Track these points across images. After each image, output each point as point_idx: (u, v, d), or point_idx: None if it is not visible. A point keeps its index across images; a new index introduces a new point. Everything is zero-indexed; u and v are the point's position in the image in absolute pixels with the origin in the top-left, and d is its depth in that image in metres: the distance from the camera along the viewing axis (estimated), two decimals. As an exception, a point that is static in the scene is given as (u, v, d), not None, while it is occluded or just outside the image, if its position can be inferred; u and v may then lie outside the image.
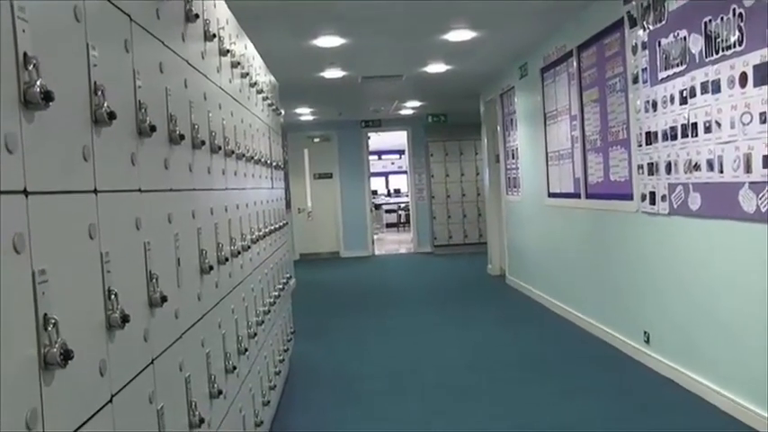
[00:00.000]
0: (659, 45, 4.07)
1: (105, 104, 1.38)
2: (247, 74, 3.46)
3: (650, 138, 4.23)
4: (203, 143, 2.30)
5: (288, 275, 5.08)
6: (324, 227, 13.02)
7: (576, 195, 5.78)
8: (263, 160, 3.88)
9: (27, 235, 1.07)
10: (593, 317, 5.54)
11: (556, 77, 6.21)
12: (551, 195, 6.56)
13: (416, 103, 11.03)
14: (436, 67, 7.69)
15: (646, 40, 4.24)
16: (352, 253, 12.87)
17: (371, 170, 13.70)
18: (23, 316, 1.06)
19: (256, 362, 3.30)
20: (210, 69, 2.60)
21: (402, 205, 19.26)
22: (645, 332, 4.54)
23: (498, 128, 8.78)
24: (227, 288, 2.66)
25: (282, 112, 5.41)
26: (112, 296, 1.40)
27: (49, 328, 1.11)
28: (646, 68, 4.24)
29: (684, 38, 3.77)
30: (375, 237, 13.95)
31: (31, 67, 1.09)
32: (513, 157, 8.11)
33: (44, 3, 1.18)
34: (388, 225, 19.64)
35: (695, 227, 3.81)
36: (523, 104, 7.50)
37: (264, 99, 4.22)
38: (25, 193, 1.08)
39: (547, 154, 6.63)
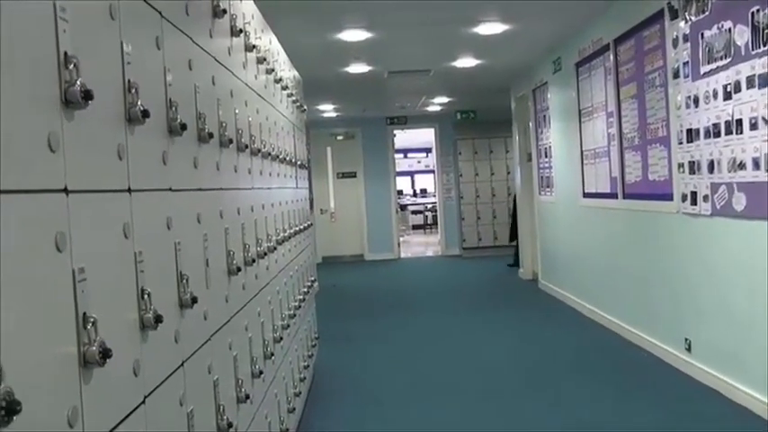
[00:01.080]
0: (702, 37, 4.06)
1: (139, 103, 1.44)
2: (272, 69, 3.52)
3: (692, 135, 4.22)
4: (231, 141, 2.36)
5: (312, 279, 5.14)
6: (347, 228, 13.08)
7: (613, 195, 5.77)
8: (287, 159, 3.94)
9: (68, 233, 1.12)
10: (630, 323, 5.53)
11: (591, 72, 6.20)
12: (586, 195, 6.55)
13: (444, 99, 11.06)
14: (465, 62, 7.72)
15: (687, 32, 4.23)
16: (377, 256, 12.92)
17: (397, 169, 13.74)
18: (65, 314, 1.11)
19: (281, 367, 3.35)
20: (237, 65, 2.65)
21: (429, 206, 19.28)
22: (686, 339, 4.53)
23: (530, 125, 8.78)
24: (253, 290, 2.72)
25: (306, 108, 5.47)
26: (146, 296, 1.46)
27: (89, 327, 1.17)
28: (687, 62, 4.23)
29: (729, 29, 3.76)
30: (401, 239, 13.98)
31: (71, 67, 1.15)
32: (546, 156, 8.10)
33: (81, 2, 1.24)
34: (415, 227, 19.67)
35: (739, 228, 3.80)
36: (557, 100, 7.49)
37: (289, 96, 4.28)
38: (66, 191, 1.14)
39: (582, 152, 6.62)
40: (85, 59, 1.21)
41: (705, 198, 4.09)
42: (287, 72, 4.29)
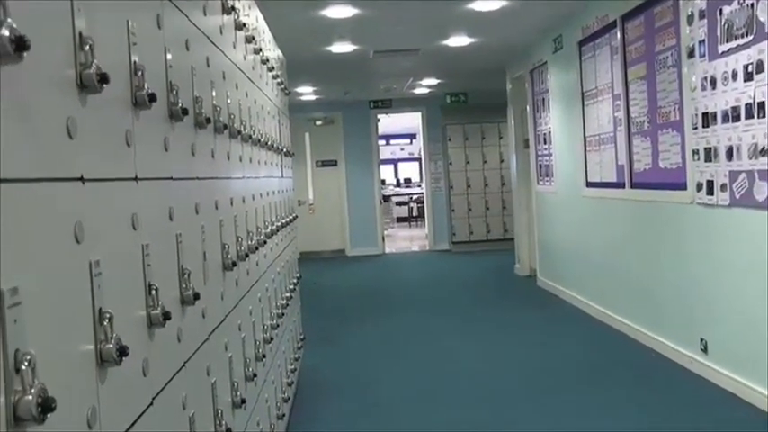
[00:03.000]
0: (720, 13, 4.13)
1: (146, 86, 1.48)
2: (260, 50, 3.56)
3: (707, 119, 4.30)
4: (225, 127, 2.39)
5: (297, 275, 5.18)
6: (327, 222, 13.11)
7: (620, 185, 5.86)
8: (273, 146, 3.97)
9: (85, 225, 1.16)
10: (640, 322, 5.63)
11: (596, 51, 6.29)
12: (590, 185, 6.64)
13: (433, 81, 11.11)
14: (458, 40, 7.77)
15: (704, 7, 4.31)
16: (360, 251, 12.97)
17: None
18: (82, 309, 1.16)
19: (271, 370, 3.40)
20: (227, 45, 2.69)
21: (414, 197, 19.35)
22: (701, 339, 4.63)
23: (528, 109, 8.86)
24: (245, 287, 2.76)
25: (290, 91, 5.50)
26: (153, 291, 1.50)
27: (105, 323, 1.21)
28: (704, 40, 4.31)
29: (752, 5, 3.83)
30: (385, 233, 14.04)
31: (86, 48, 1.18)
32: (545, 142, 8.18)
33: (90, -22, 1.27)
34: (399, 219, 19.75)
35: (761, 220, 3.89)
36: (558, 82, 7.57)
37: (274, 77, 4.32)
38: (82, 180, 1.18)
39: (585, 138, 6.70)
40: (94, 40, 1.25)
41: (723, 187, 4.18)
42: (272, 52, 4.32)
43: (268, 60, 3.92)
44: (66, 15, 1.16)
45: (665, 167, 5.01)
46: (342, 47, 7.71)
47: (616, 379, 4.79)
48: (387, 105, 13.04)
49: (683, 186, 4.70)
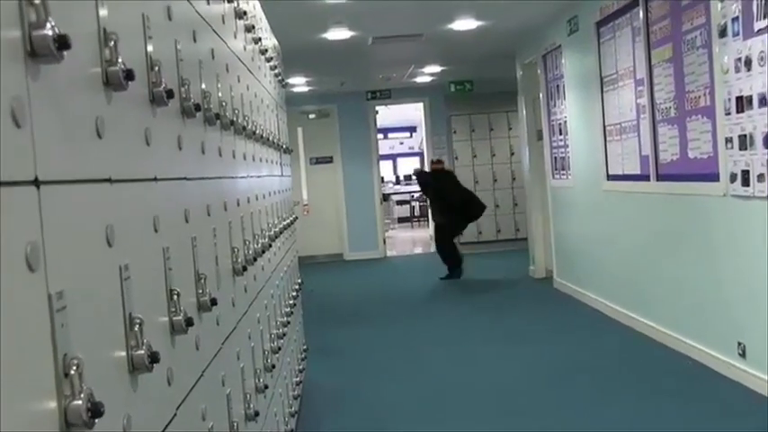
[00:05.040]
0: (755, -12, 4.19)
1: (163, 82, 1.55)
2: (259, 39, 3.63)
3: (742, 103, 4.36)
4: (232, 124, 2.47)
5: (299, 281, 5.25)
6: (323, 223, 13.17)
7: (644, 177, 5.93)
8: (273, 142, 4.04)
9: (114, 227, 1.23)
10: (670, 326, 5.69)
11: (616, 33, 6.36)
12: (611, 178, 6.71)
13: (436, 69, 11.19)
14: (464, 24, 7.85)
15: (737, -19, 4.37)
16: (360, 255, 13.03)
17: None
18: (114, 314, 1.23)
19: (278, 382, 3.47)
20: (229, 35, 2.76)
21: (416, 195, 19.41)
22: (739, 343, 4.69)
23: (540, 97, 8.93)
24: (252, 293, 2.83)
25: (287, 83, 5.57)
26: (174, 296, 1.57)
27: (135, 329, 1.28)
28: (737, 17, 4.37)
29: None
30: (386, 234, 14.11)
31: (111, 44, 1.25)
32: (561, 133, 8.25)
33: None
34: (400, 219, 19.82)
35: (798, 212, 3.95)
36: (573, 67, 7.65)
37: (272, 68, 4.39)
38: (110, 181, 1.25)
39: (605, 128, 6.77)
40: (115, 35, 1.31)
41: (760, 177, 4.24)
42: (269, 41, 4.39)
43: (267, 50, 3.99)
44: (92, 10, 1.23)
45: (695, 157, 5.08)
46: (338, 33, 7.78)
47: (647, 387, 4.85)
48: (386, 96, 13.11)
49: (714, 177, 4.76)
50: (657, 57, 5.56)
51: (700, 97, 4.93)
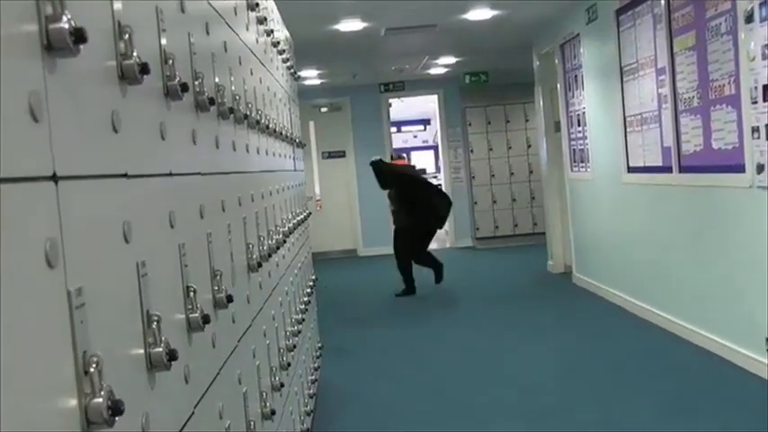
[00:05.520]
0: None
1: (177, 75, 1.56)
2: (271, 31, 3.64)
3: (768, 92, 4.34)
4: (245, 117, 2.47)
5: (314, 277, 5.27)
6: (336, 219, 13.20)
7: (666, 169, 5.91)
8: (287, 136, 4.06)
9: (131, 223, 1.24)
10: (693, 322, 5.67)
11: (636, 20, 6.33)
12: (632, 170, 6.70)
13: (451, 60, 11.18)
14: (479, 14, 7.84)
15: (763, -35, 4.34)
16: (374, 250, 13.02)
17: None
18: (131, 312, 1.24)
19: (294, 380, 3.49)
20: (241, 27, 2.77)
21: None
22: (767, 339, 4.67)
23: (558, 87, 8.91)
24: (267, 290, 2.85)
25: (299, 75, 5.58)
26: (191, 293, 1.58)
27: (153, 326, 1.29)
28: (765, 2, 4.33)
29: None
30: (400, 230, 14.10)
31: (126, 37, 1.26)
32: (579, 124, 8.23)
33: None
34: (415, 215, 19.77)
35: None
36: (592, 57, 7.62)
37: (284, 61, 4.40)
38: (126, 176, 1.26)
39: (625, 118, 6.75)
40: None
41: (786, 168, 4.23)
42: (281, 33, 4.40)
43: (279, 43, 4.00)
44: (106, 3, 1.24)
45: (719, 148, 5.05)
46: (350, 24, 7.79)
47: (672, 385, 4.83)
48: (399, 88, 13.10)
49: (740, 169, 4.74)
50: (680, 45, 5.53)
51: (724, 86, 4.90)
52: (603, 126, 7.42)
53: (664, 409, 4.39)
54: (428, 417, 4.64)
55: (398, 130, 23.17)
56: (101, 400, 0.97)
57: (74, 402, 0.94)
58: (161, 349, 1.28)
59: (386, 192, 9.24)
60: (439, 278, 9.24)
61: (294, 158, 4.63)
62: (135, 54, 1.26)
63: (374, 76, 12.37)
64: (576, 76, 8.24)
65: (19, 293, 0.83)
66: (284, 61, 4.40)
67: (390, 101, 13.57)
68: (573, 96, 8.42)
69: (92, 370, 0.98)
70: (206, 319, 1.59)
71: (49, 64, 0.95)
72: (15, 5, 0.88)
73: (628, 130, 6.72)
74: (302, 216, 4.58)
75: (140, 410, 1.21)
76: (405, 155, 10.23)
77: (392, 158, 9.73)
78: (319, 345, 5.41)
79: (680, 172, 5.68)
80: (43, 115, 0.92)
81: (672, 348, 5.65)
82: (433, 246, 14.72)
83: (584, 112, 8.02)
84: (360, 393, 5.22)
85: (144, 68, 1.27)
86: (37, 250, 0.88)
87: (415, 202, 8.87)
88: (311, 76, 11.47)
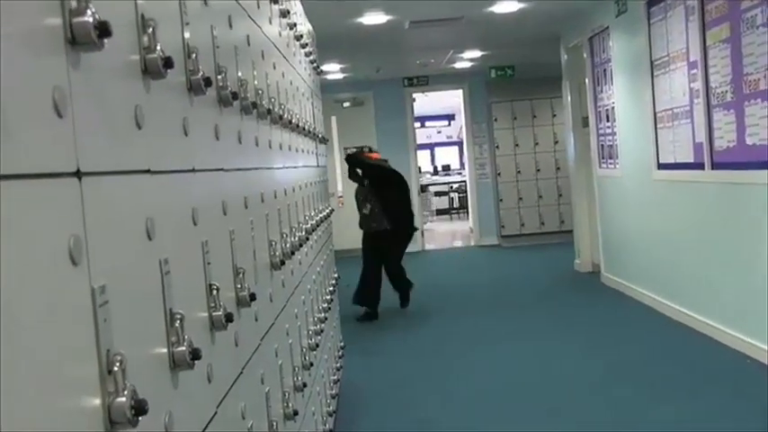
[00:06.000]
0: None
1: (201, 70, 1.56)
2: (294, 24, 3.64)
3: (804, 87, 4.30)
4: (269, 112, 2.48)
5: (336, 275, 5.27)
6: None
7: (698, 166, 5.86)
8: (311, 132, 4.06)
9: (154, 220, 1.25)
10: (726, 323, 5.62)
11: (667, 13, 6.29)
12: (662, 167, 6.65)
13: (476, 54, 11.15)
14: (506, 6, 7.80)
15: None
16: (396, 249, 13.02)
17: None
18: (155, 310, 1.24)
19: (316, 380, 3.49)
20: (264, 20, 2.78)
21: (455, 186, 19.40)
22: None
23: (586, 82, 8.86)
24: (290, 288, 2.85)
25: (321, 70, 5.59)
26: (214, 291, 1.59)
27: (176, 324, 1.29)
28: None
29: None
30: (424, 227, 14.11)
31: (149, 31, 1.27)
32: (608, 120, 8.19)
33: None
34: (439, 212, 19.82)
35: None
36: (622, 50, 7.58)
37: (307, 55, 4.41)
38: (149, 172, 1.26)
39: (655, 114, 6.71)
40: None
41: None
42: (304, 26, 4.41)
43: (302, 36, 4.00)
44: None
45: (753, 144, 5.01)
46: (374, 17, 7.78)
47: (706, 389, 4.78)
48: (423, 83, 13.09)
49: (774, 165, 4.71)
50: (713, 37, 5.49)
51: (759, 80, 4.85)
52: (633, 121, 7.37)
53: (693, 413, 4.35)
54: (454, 420, 4.64)
55: (422, 126, 23.16)
56: (124, 399, 0.97)
57: (97, 402, 0.95)
58: (184, 348, 1.29)
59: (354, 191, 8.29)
60: (405, 301, 8.20)
61: (317, 154, 4.64)
62: (158, 48, 1.26)
63: (398, 71, 12.36)
64: (604, 70, 8.19)
65: (44, 291, 0.83)
66: (307, 55, 4.41)
67: (414, 95, 13.55)
68: (602, 91, 8.37)
69: (115, 369, 0.98)
70: (229, 318, 1.59)
71: (72, 59, 0.96)
72: (40, -1, 0.88)
73: (658, 125, 6.68)
74: (325, 213, 4.59)
75: (163, 410, 1.21)
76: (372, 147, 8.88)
77: (362, 152, 8.57)
78: (341, 344, 5.42)
79: (712, 169, 5.64)
80: (67, 110, 0.92)
81: (702, 350, 5.61)
82: (458, 243, 14.81)
83: (613, 107, 7.98)
84: (383, 395, 5.22)
85: (168, 62, 1.27)
86: (61, 247, 0.89)
87: (393, 200, 7.81)
88: (334, 71, 11.48)
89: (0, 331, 0.72)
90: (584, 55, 8.79)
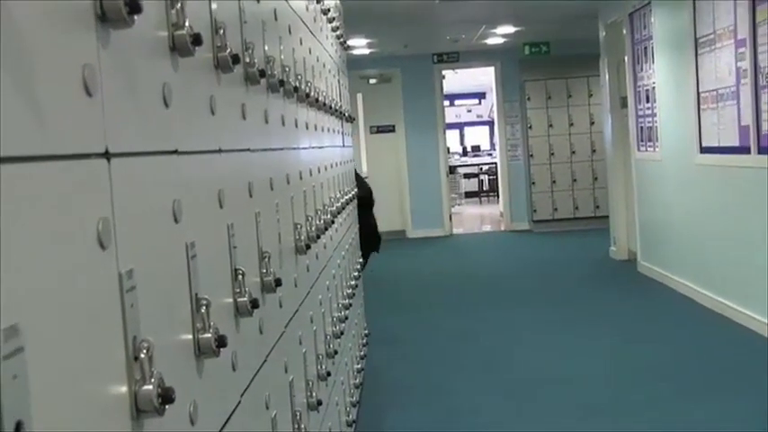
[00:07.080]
0: None
1: (228, 46, 1.57)
2: (321, -3, 3.65)
3: None
4: (296, 90, 2.49)
5: (360, 260, 5.29)
6: (385, 198, 13.14)
7: (744, 150, 5.82)
8: (337, 110, 4.07)
9: (181, 202, 1.26)
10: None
11: (713, -11, 6.23)
12: (705, 151, 6.60)
13: (509, 29, 11.09)
14: (542, -21, 7.77)
15: None
16: (423, 232, 13.05)
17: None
18: (181, 295, 1.26)
19: (340, 369, 3.52)
20: (291, -6, 2.78)
21: (485, 168, 19.36)
22: None
23: (626, 60, 8.80)
24: (315, 273, 2.87)
25: (348, 45, 5.59)
26: (239, 276, 1.60)
27: (202, 311, 1.31)
28: None
29: None
30: (452, 210, 14.11)
31: (178, 6, 1.28)
32: (648, 100, 8.13)
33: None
34: (467, 194, 19.80)
35: None
36: (664, 27, 7.51)
37: (334, 30, 4.41)
38: (176, 153, 1.28)
39: (698, 94, 6.66)
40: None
41: None
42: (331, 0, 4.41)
43: (329, 10, 4.01)
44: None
45: (802, 128, 4.97)
46: (403, -10, 7.77)
47: (750, 385, 4.75)
48: (453, 59, 13.05)
49: (824, 150, 4.66)
50: (763, 14, 5.43)
51: (809, 61, 4.81)
52: (675, 102, 7.32)
53: (736, 410, 4.34)
54: (483, 414, 4.65)
55: (451, 104, 23.11)
56: (151, 387, 0.99)
57: (124, 389, 0.97)
58: (210, 335, 1.30)
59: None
60: None
61: (343, 133, 4.65)
62: (187, 24, 1.27)
63: (427, 46, 12.32)
64: (645, 48, 8.13)
65: (72, 276, 0.85)
66: (333, 30, 4.41)
67: (444, 72, 13.51)
68: (642, 70, 8.31)
69: (142, 356, 1.00)
70: (255, 304, 1.61)
71: (102, 36, 0.97)
72: (70, -26, 0.89)
73: (701, 107, 6.62)
74: (350, 195, 4.61)
75: (188, 399, 1.23)
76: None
77: None
78: (366, 332, 5.44)
79: (759, 153, 5.60)
80: (97, 89, 0.94)
81: (746, 344, 5.57)
82: (487, 228, 14.83)
83: (653, 88, 7.92)
84: (407, 383, 5.24)
85: (196, 39, 1.28)
86: (90, 230, 0.90)
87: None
88: (360, 45, 11.47)
89: (28, 317, 0.74)
90: (624, 32, 8.72)
